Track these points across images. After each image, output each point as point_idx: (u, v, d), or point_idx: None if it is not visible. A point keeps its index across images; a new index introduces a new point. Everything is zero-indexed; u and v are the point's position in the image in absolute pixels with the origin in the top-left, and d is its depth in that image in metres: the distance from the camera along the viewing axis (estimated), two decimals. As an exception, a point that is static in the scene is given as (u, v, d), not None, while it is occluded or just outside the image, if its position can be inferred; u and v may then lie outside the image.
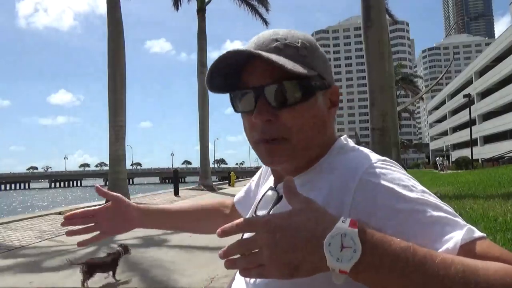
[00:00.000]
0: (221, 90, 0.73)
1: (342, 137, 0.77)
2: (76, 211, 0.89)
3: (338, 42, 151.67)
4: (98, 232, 0.93)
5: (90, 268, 3.74)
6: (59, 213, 9.98)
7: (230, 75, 0.70)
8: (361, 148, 0.73)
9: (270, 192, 0.77)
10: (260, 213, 0.75)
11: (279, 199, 0.73)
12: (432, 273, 0.46)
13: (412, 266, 0.47)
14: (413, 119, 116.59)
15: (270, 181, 0.86)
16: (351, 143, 0.76)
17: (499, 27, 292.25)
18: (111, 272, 3.91)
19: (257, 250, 0.51)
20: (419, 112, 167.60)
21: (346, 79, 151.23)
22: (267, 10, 20.95)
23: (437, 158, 41.41)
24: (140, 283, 3.92)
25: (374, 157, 0.67)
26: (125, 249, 4.02)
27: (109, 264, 3.88)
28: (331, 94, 0.73)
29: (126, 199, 0.98)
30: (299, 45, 0.68)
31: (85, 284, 3.68)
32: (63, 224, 0.88)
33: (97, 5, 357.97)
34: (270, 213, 0.72)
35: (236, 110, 0.73)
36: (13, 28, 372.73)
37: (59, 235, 6.88)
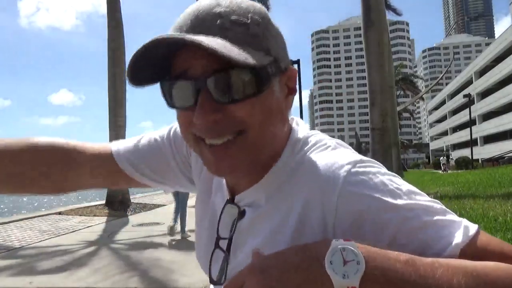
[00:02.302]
0: (148, 81, 0.55)
1: (293, 122, 0.65)
2: None
3: (338, 42, 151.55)
4: None
5: None
6: (59, 213, 9.99)
7: (159, 62, 0.54)
8: (327, 142, 0.62)
9: (229, 208, 0.65)
10: (223, 234, 0.65)
11: (241, 214, 0.63)
12: (436, 285, 0.44)
13: (415, 278, 0.45)
14: (413, 119, 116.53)
15: (219, 186, 0.71)
16: (304, 127, 0.65)
17: (500, 27, 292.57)
18: None
19: None
20: (419, 112, 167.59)
21: (346, 79, 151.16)
22: (267, 8, 20.90)
23: (441, 158, 41.22)
24: (140, 283, 3.92)
25: (349, 159, 0.56)
26: None
27: None
28: (287, 79, 0.59)
29: None
30: (249, 21, 0.53)
31: None
32: None
33: (99, 4, 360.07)
34: (234, 233, 0.63)
35: (169, 105, 0.56)
36: (15, 27, 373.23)
37: (59, 235, 6.88)
